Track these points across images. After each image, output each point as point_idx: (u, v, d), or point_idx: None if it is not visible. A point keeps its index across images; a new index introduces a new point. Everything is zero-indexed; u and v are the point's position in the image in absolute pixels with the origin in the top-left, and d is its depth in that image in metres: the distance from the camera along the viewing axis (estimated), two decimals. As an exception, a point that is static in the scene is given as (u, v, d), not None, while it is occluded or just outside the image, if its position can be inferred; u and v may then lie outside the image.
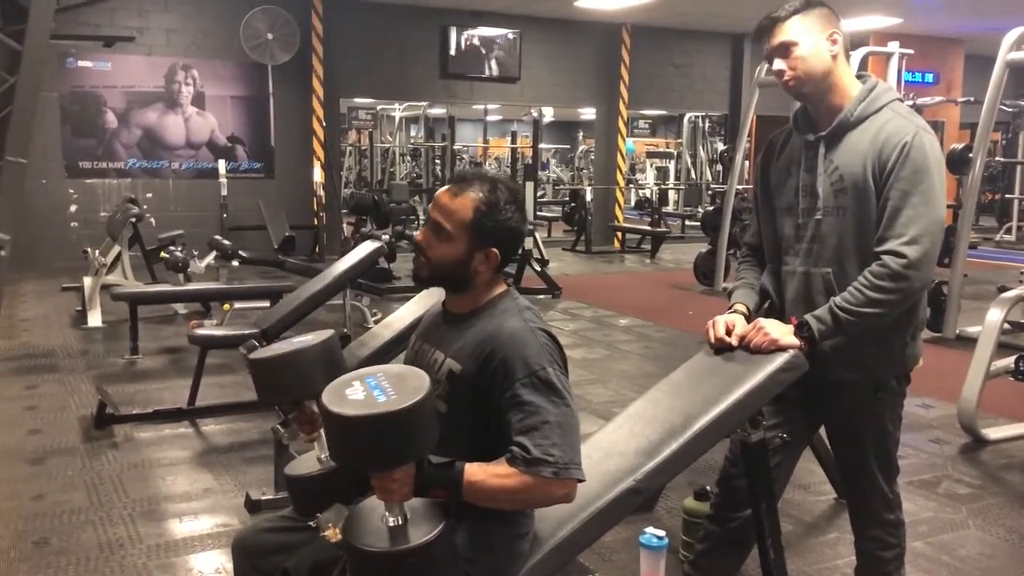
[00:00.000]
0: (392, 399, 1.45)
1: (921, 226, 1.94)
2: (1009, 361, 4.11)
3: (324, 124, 10.58)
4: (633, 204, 16.66)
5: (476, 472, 1.58)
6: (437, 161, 16.12)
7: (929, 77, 12.33)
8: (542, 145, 15.31)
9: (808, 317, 2.00)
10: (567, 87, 12.26)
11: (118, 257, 6.88)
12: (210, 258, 6.64)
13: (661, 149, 18.27)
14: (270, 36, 9.88)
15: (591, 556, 2.78)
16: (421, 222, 10.96)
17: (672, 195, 16.99)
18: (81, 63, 9.40)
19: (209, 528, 3.15)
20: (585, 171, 17.68)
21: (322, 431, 1.80)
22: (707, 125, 15.95)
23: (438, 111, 15.86)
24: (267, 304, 5.47)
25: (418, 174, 16.53)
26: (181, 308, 6.93)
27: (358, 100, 13.48)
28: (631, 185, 16.76)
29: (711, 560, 2.31)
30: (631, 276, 10.35)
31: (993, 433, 4.19)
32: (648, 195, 16.65)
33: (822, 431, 2.41)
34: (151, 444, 4.03)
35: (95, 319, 6.44)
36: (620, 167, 12.99)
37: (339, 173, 12.13)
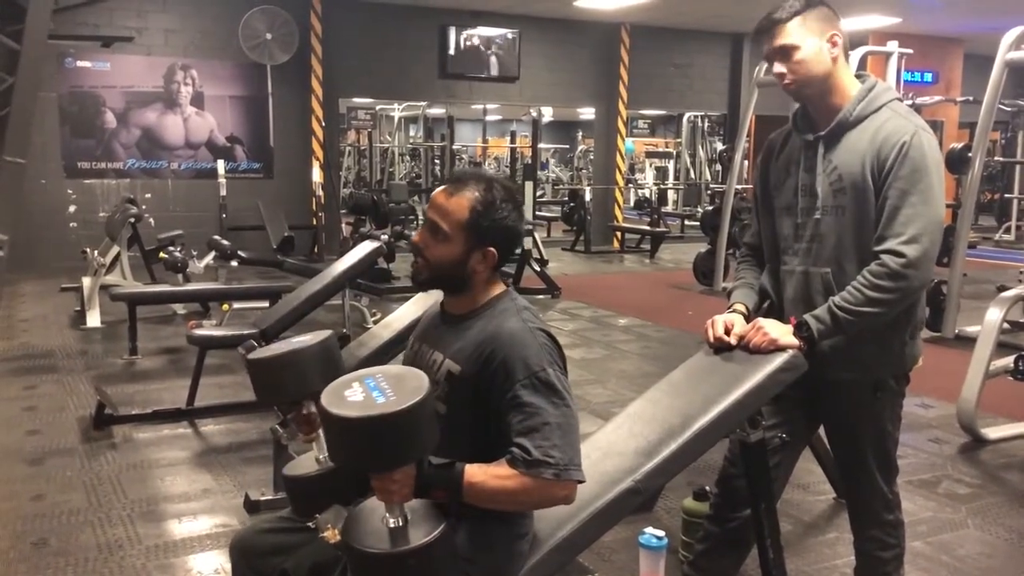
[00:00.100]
0: (391, 400, 1.45)
1: (920, 225, 1.94)
2: (1008, 360, 4.11)
3: (323, 124, 10.57)
4: (632, 204, 16.66)
5: (476, 473, 1.58)
6: (436, 161, 16.13)
7: (928, 77, 12.34)
8: (541, 145, 15.30)
9: (807, 317, 2.00)
10: (566, 87, 12.26)
11: (117, 257, 6.88)
12: (209, 258, 6.63)
13: (660, 149, 18.26)
14: (269, 36, 9.88)
15: (590, 556, 2.78)
16: (420, 222, 10.95)
17: (671, 195, 17.00)
18: (80, 63, 9.40)
19: (208, 529, 3.15)
20: (584, 171, 17.68)
21: (320, 431, 1.80)
22: (706, 125, 15.95)
23: (437, 111, 15.86)
24: (266, 304, 5.46)
25: (417, 174, 16.53)
26: (180, 308, 6.93)
27: (357, 100, 13.46)
28: (630, 185, 16.75)
29: (710, 560, 2.31)
30: (630, 276, 10.35)
31: (992, 433, 4.19)
32: (647, 195, 16.65)
33: (821, 431, 2.41)
34: (150, 445, 4.03)
35: (94, 319, 6.44)
36: (619, 167, 12.99)
37: (338, 173, 12.12)
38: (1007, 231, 13.25)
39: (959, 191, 8.70)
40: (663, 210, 14.19)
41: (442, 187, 1.77)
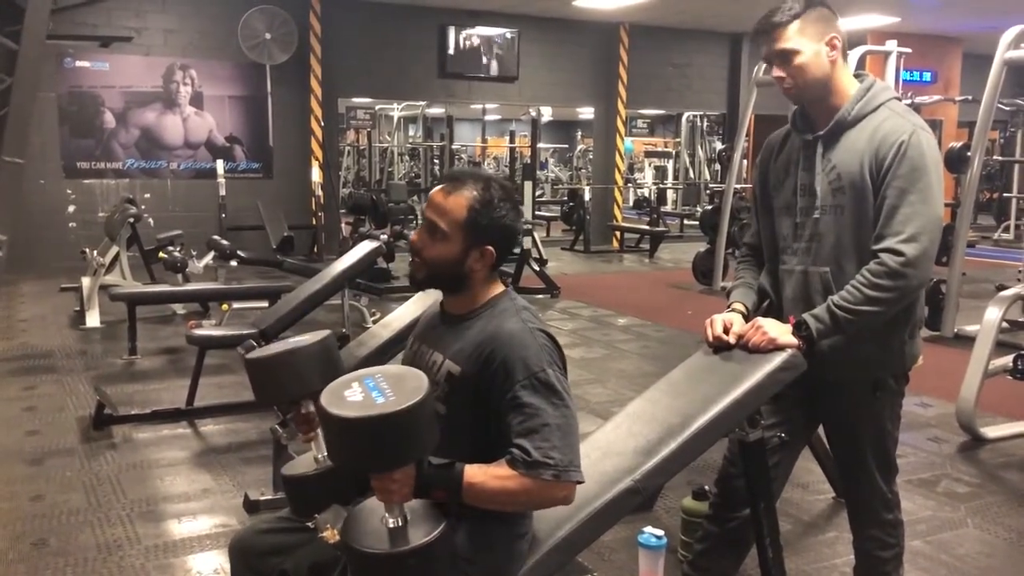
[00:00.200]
0: (391, 400, 1.45)
1: (919, 224, 1.94)
2: (1007, 360, 4.11)
3: (322, 124, 10.57)
4: (632, 203, 16.67)
5: (476, 473, 1.58)
6: (435, 161, 16.13)
7: (927, 76, 12.34)
8: (540, 145, 15.30)
9: (806, 316, 2.00)
10: (565, 86, 12.26)
11: (116, 257, 6.87)
12: (208, 258, 6.63)
13: (659, 148, 18.27)
14: (268, 36, 9.88)
15: (590, 556, 2.78)
16: (420, 222, 10.95)
17: (670, 194, 17.00)
18: (79, 63, 9.39)
19: (208, 529, 3.15)
20: (583, 170, 17.68)
21: (319, 431, 1.79)
22: (705, 124, 15.96)
23: (436, 111, 15.86)
24: (265, 304, 5.47)
25: (416, 174, 16.53)
26: (179, 308, 6.93)
27: (356, 100, 13.48)
28: (629, 184, 16.76)
29: (710, 560, 2.31)
30: (630, 275, 10.35)
31: (992, 432, 4.19)
32: (647, 194, 16.66)
33: (821, 430, 2.41)
34: (149, 445, 4.02)
35: (93, 319, 6.43)
36: (618, 166, 12.99)
37: (337, 173, 12.12)
38: (1006, 230, 13.25)
39: (958, 190, 8.69)
40: (662, 210, 14.20)
41: (439, 186, 1.77)
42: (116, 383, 4.95)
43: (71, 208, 9.44)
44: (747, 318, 2.13)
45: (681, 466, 1.90)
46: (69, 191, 9.45)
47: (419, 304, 3.16)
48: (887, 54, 7.31)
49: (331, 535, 1.77)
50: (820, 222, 2.09)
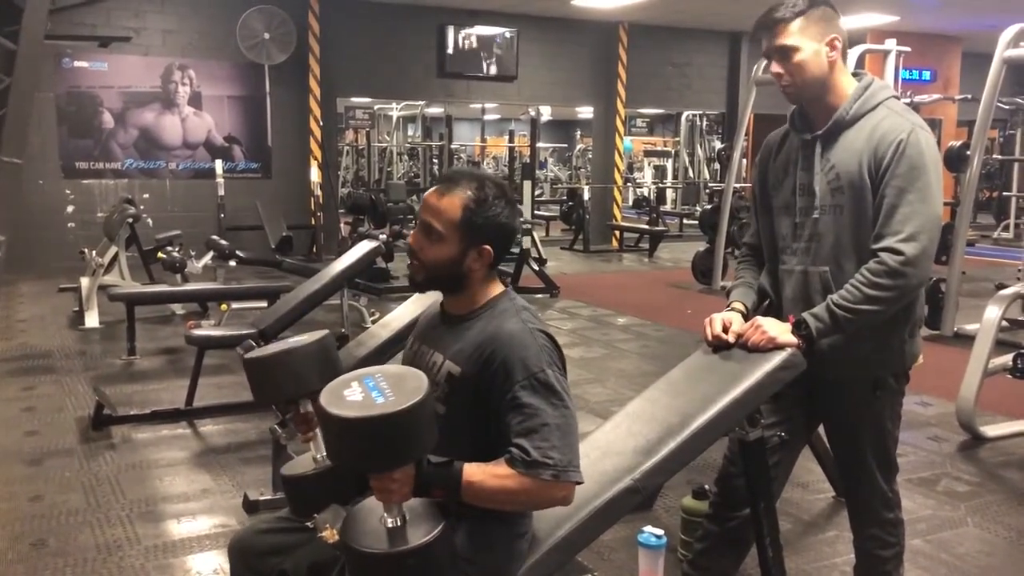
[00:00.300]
0: (390, 400, 1.45)
1: (918, 223, 1.94)
2: (1007, 358, 4.11)
3: (321, 124, 10.56)
4: (631, 203, 16.67)
5: (475, 472, 1.58)
6: (435, 160, 16.12)
7: (926, 75, 12.34)
8: (540, 144, 15.30)
9: (806, 315, 2.00)
10: (564, 86, 12.25)
11: (115, 257, 6.87)
12: (207, 258, 6.63)
13: (659, 148, 18.27)
14: (267, 36, 9.87)
15: (590, 555, 2.78)
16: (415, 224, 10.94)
17: (670, 194, 17.00)
18: (77, 63, 9.39)
19: (207, 529, 3.14)
20: (583, 170, 17.68)
21: (318, 431, 1.79)
22: (705, 123, 15.96)
23: (435, 110, 15.86)
24: (265, 304, 5.46)
25: (416, 173, 16.53)
26: (178, 308, 6.92)
27: (355, 99, 13.46)
28: (629, 184, 16.76)
29: (710, 559, 2.31)
30: (629, 275, 10.35)
31: (991, 430, 4.19)
32: (646, 194, 16.65)
33: (821, 429, 2.41)
34: (149, 445, 4.02)
35: (92, 320, 6.43)
36: (618, 166, 12.98)
37: (336, 173, 12.11)
38: (1005, 229, 13.25)
39: (957, 189, 8.70)
40: (662, 209, 14.19)
41: (433, 188, 1.77)
42: (115, 383, 4.95)
43: (70, 208, 9.44)
44: (746, 317, 2.13)
45: (681, 465, 1.90)
46: (68, 191, 9.45)
47: (418, 304, 3.16)
48: (886, 53, 7.31)
49: (330, 535, 1.77)
50: (819, 222, 2.08)
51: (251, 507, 3.23)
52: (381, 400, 1.45)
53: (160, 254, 6.57)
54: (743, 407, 1.92)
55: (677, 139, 16.48)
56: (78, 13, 8.90)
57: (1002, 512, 3.36)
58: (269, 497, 3.24)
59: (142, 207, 8.05)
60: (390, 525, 1.50)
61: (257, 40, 9.84)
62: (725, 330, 2.08)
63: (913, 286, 1.98)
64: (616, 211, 13.03)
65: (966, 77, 12.57)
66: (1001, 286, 5.42)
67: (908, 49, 7.45)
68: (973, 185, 6.41)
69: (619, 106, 12.63)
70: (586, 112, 14.06)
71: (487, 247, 1.73)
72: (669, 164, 17.49)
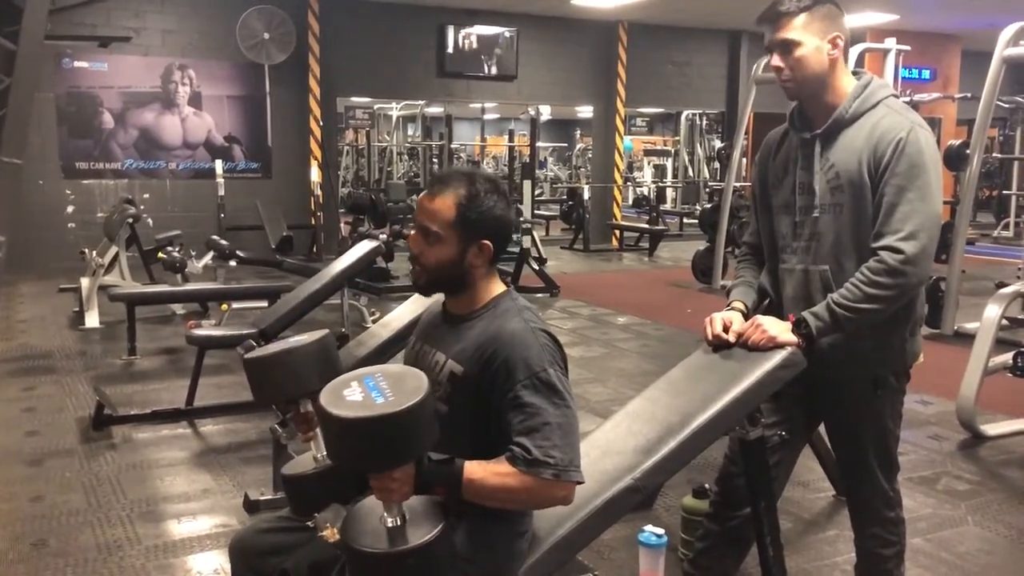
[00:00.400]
0: (390, 400, 1.45)
1: (918, 221, 1.94)
2: (1007, 357, 4.11)
3: (321, 123, 10.56)
4: (631, 202, 16.66)
5: (476, 470, 1.58)
6: (435, 160, 16.11)
7: (926, 73, 12.34)
8: (539, 143, 15.30)
9: (806, 314, 2.00)
10: (564, 85, 12.25)
11: (115, 258, 6.87)
12: (208, 258, 6.63)
13: (659, 147, 18.27)
14: (266, 36, 9.87)
15: (590, 554, 2.78)
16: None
17: (670, 193, 17.00)
18: (77, 64, 9.39)
19: (208, 529, 3.14)
20: (583, 169, 17.68)
21: (318, 430, 1.79)
22: (704, 122, 15.95)
23: (435, 110, 15.86)
24: (265, 304, 5.46)
25: (416, 173, 16.52)
26: (179, 308, 6.92)
27: (355, 99, 13.47)
28: (629, 183, 16.75)
29: (710, 558, 2.31)
30: (629, 274, 10.35)
31: (992, 429, 4.19)
32: (646, 193, 16.65)
33: (822, 428, 2.41)
34: (149, 445, 4.02)
35: (93, 320, 6.43)
36: (618, 165, 12.98)
37: (336, 172, 12.11)
38: (1005, 227, 13.25)
39: (957, 188, 8.69)
40: (662, 208, 14.20)
41: (425, 191, 1.77)
42: (115, 383, 4.95)
43: (70, 208, 9.44)
44: (747, 317, 2.13)
45: (681, 464, 1.90)
46: (68, 191, 9.45)
47: (418, 303, 3.16)
48: (886, 51, 7.32)
49: (331, 534, 1.77)
50: (819, 221, 2.08)
51: (252, 507, 3.23)
52: (381, 400, 1.45)
53: (160, 254, 6.57)
54: (743, 406, 1.92)
55: (677, 138, 16.48)
56: (78, 13, 8.90)
57: (1002, 511, 3.36)
58: (270, 497, 3.24)
59: (142, 207, 8.06)
60: (390, 524, 1.50)
61: (257, 40, 9.84)
62: (725, 329, 2.08)
63: (913, 284, 1.98)
64: (616, 210, 13.03)
65: (966, 76, 12.57)
66: (1001, 285, 5.42)
67: (908, 48, 7.46)
68: (973, 184, 6.41)
69: (619, 105, 12.63)
70: (586, 111, 14.06)
71: (486, 241, 1.73)
72: (669, 163, 17.49)
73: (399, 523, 1.50)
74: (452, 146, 15.02)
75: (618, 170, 13.02)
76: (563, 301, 7.99)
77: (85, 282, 6.57)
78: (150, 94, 9.75)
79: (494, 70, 11.53)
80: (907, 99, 7.04)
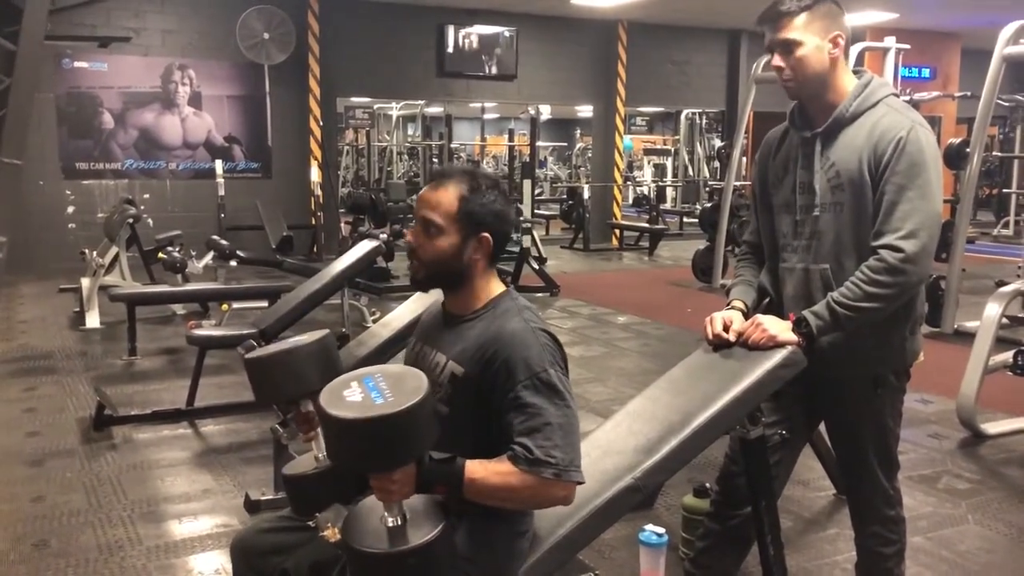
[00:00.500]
0: (390, 401, 1.44)
1: (918, 220, 1.94)
2: (1008, 355, 4.11)
3: (321, 123, 10.56)
4: (631, 201, 16.66)
5: (477, 469, 1.58)
6: (434, 160, 16.10)
7: (926, 72, 12.34)
8: (539, 143, 15.29)
9: (806, 313, 2.00)
10: (564, 85, 12.26)
11: (116, 258, 6.87)
12: (208, 258, 6.63)
13: (658, 146, 18.26)
14: (266, 36, 9.87)
15: (590, 554, 2.78)
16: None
17: (670, 192, 16.98)
18: (77, 64, 9.39)
19: (209, 529, 3.15)
20: (583, 168, 17.67)
21: (319, 430, 1.79)
22: (704, 121, 15.95)
23: (435, 109, 15.85)
24: (265, 304, 5.47)
25: (416, 173, 16.52)
26: (179, 309, 6.93)
27: (355, 99, 13.46)
28: (629, 182, 16.74)
29: (711, 557, 2.31)
30: (629, 273, 10.35)
31: (992, 428, 4.19)
32: (646, 192, 16.64)
33: (822, 427, 2.41)
34: (150, 445, 4.02)
35: (93, 320, 6.43)
36: (618, 164, 12.98)
37: (336, 172, 12.11)
38: (1005, 226, 13.25)
39: (957, 186, 8.70)
40: (662, 207, 14.20)
41: (426, 186, 1.78)
42: (116, 384, 4.95)
43: (70, 209, 9.44)
44: (747, 316, 2.13)
45: (681, 464, 1.90)
46: (68, 192, 9.45)
47: (419, 303, 3.16)
48: (886, 50, 7.32)
49: (332, 534, 1.77)
50: (820, 220, 2.08)
51: (253, 507, 3.23)
52: (380, 401, 1.45)
53: (161, 254, 6.57)
54: (744, 405, 1.92)
55: (677, 137, 16.47)
56: (78, 13, 8.90)
57: (1003, 509, 3.37)
58: (271, 497, 3.24)
59: (142, 207, 8.05)
60: (391, 524, 1.50)
61: (257, 40, 9.84)
62: (726, 328, 2.08)
63: (913, 283, 1.98)
64: (616, 210, 13.03)
65: (965, 74, 12.57)
66: (1001, 283, 5.42)
67: (907, 46, 7.47)
68: (973, 182, 6.41)
69: (619, 104, 12.63)
70: (586, 111, 14.06)
71: (486, 236, 1.74)
72: (669, 162, 17.48)
73: (400, 523, 1.50)
74: (452, 146, 15.01)
75: (618, 169, 13.02)
76: (563, 300, 8.00)
77: (85, 282, 6.58)
78: (150, 94, 9.75)
79: (494, 70, 11.53)
80: (907, 98, 7.04)
